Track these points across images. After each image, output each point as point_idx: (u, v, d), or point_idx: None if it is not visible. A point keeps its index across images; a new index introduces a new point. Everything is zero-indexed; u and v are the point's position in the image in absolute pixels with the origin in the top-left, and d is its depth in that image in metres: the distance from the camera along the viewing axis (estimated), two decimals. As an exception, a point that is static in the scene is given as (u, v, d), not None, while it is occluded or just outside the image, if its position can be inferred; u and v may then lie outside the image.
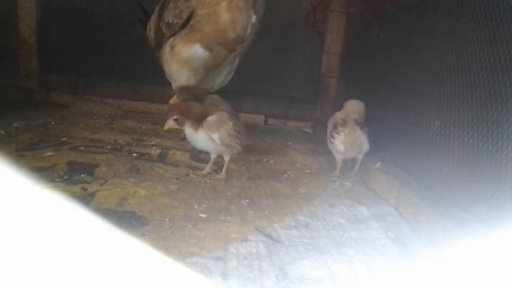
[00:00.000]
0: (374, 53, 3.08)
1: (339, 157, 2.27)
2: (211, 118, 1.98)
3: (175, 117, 1.98)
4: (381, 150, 2.37)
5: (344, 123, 2.21)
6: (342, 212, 1.80)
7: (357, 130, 2.17)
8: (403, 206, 1.81)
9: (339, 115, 2.28)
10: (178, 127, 2.01)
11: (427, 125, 2.16)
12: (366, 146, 2.21)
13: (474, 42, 1.87)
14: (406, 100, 2.45)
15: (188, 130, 2.01)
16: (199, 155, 2.34)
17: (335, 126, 2.22)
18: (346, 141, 2.18)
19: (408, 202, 1.77)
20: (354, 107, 2.29)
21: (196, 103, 2.06)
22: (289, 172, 2.29)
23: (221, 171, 2.09)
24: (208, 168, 2.12)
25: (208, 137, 1.99)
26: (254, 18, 2.53)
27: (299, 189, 2.04)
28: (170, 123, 1.98)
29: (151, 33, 3.02)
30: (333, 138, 2.21)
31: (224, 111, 2.05)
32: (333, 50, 3.15)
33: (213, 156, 2.13)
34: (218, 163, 2.29)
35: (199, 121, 1.98)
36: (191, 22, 2.57)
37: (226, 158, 2.10)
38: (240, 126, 2.10)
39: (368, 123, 2.33)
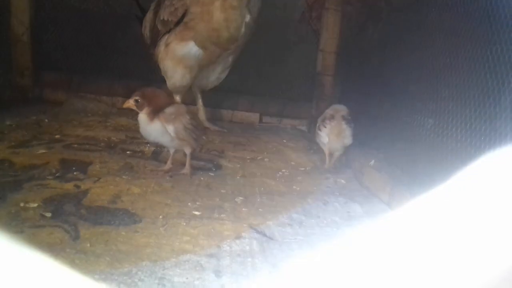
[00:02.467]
0: (369, 51, 3.08)
1: (325, 150, 2.37)
2: (168, 109, 1.92)
3: (136, 97, 1.90)
4: (375, 148, 2.37)
5: (332, 118, 2.33)
6: (336, 209, 1.80)
7: (343, 124, 2.28)
8: (397, 203, 1.81)
9: (328, 111, 2.40)
10: (136, 109, 1.92)
11: (421, 123, 2.16)
12: (349, 140, 2.30)
13: (469, 41, 1.88)
14: (400, 98, 2.45)
15: (143, 118, 1.92)
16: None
17: (323, 120, 2.35)
18: (331, 132, 2.29)
19: (402, 200, 1.78)
20: (340, 108, 2.42)
21: (165, 93, 2.01)
22: (283, 170, 2.29)
23: (215, 169, 2.08)
24: (168, 163, 2.05)
25: (163, 129, 1.91)
26: (248, 18, 2.52)
27: (293, 187, 2.04)
28: (130, 102, 1.91)
29: (146, 31, 3.01)
30: (320, 130, 2.34)
31: (182, 104, 1.99)
32: (328, 48, 3.16)
33: (171, 151, 2.06)
34: (213, 161, 2.29)
35: (156, 111, 1.91)
36: (185, 19, 2.56)
37: (187, 151, 2.02)
38: (198, 123, 2.04)
39: (362, 120, 2.34)
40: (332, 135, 2.29)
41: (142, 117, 1.92)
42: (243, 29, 2.53)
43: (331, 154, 2.37)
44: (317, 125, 2.39)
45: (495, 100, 1.67)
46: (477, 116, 1.75)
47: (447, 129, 1.93)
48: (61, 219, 1.43)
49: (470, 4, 1.84)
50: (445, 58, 2.03)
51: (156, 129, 1.92)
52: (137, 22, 3.16)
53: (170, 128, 1.90)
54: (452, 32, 2.01)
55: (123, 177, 1.87)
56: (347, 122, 2.30)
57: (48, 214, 1.46)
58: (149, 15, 2.98)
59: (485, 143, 1.65)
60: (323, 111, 2.50)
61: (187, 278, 1.17)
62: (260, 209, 1.72)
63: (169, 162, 2.06)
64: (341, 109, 2.40)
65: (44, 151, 2.11)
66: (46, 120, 2.74)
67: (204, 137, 2.35)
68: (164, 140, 1.97)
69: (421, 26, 2.29)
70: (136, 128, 2.78)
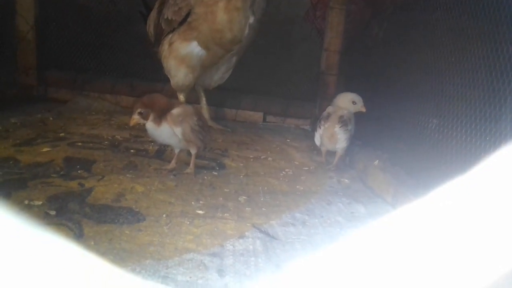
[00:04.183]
0: (373, 50, 3.07)
1: (322, 149, 2.41)
2: (175, 111, 1.91)
3: (139, 110, 1.88)
4: (379, 148, 2.36)
5: (327, 118, 2.33)
6: (339, 209, 1.80)
7: (336, 127, 2.28)
8: (400, 204, 1.80)
9: (329, 109, 2.40)
10: (144, 121, 1.90)
11: (426, 123, 2.15)
12: (342, 144, 2.30)
13: (474, 40, 1.87)
14: (405, 98, 2.44)
15: (150, 124, 1.91)
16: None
17: (320, 120, 2.37)
18: (323, 135, 2.31)
19: (405, 200, 1.77)
20: (340, 101, 2.40)
21: (161, 95, 1.98)
22: (287, 169, 2.29)
23: (219, 168, 2.07)
24: (173, 163, 2.06)
25: (171, 131, 1.91)
26: (252, 19, 2.51)
27: (297, 186, 2.04)
28: (135, 118, 1.89)
29: (150, 29, 3.02)
30: (315, 131, 2.38)
31: (189, 106, 2.00)
32: (332, 48, 3.14)
33: (176, 151, 2.06)
34: (217, 160, 2.29)
35: (162, 114, 1.90)
36: (189, 19, 2.56)
37: (193, 151, 2.02)
38: (205, 123, 2.05)
39: (366, 121, 2.33)
40: (325, 138, 2.31)
41: (150, 124, 1.91)
42: (246, 31, 2.52)
43: (328, 152, 2.41)
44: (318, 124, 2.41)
45: (500, 100, 1.66)
46: (482, 117, 1.75)
47: (452, 130, 1.92)
48: (65, 217, 1.44)
49: (476, 3, 1.83)
50: (450, 57, 2.02)
51: (164, 131, 1.92)
52: (141, 20, 3.16)
53: (178, 130, 1.91)
54: (457, 31, 2.00)
55: (127, 175, 1.88)
56: (342, 125, 2.27)
57: (53, 212, 1.47)
58: (153, 14, 2.99)
59: (490, 144, 1.64)
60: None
61: (190, 277, 1.17)
62: (263, 209, 1.72)
63: (173, 161, 2.06)
64: (343, 104, 2.37)
65: (48, 149, 2.12)
66: (51, 118, 2.75)
67: (209, 137, 2.35)
68: (172, 141, 1.99)
69: (426, 25, 2.28)
70: (140, 127, 2.77)
